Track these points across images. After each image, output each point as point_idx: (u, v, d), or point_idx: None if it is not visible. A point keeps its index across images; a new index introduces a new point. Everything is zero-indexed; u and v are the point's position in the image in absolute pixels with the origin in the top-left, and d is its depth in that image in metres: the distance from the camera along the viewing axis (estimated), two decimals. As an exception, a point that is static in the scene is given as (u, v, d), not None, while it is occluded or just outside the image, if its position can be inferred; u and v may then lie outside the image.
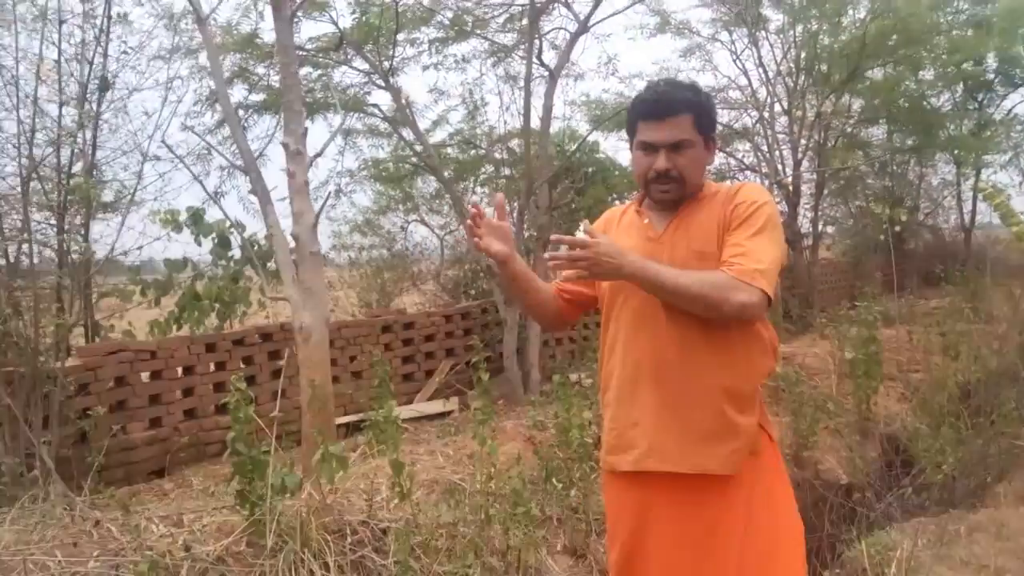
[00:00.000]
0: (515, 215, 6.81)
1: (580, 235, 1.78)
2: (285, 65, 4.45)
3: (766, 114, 9.37)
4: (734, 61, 9.58)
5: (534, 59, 6.80)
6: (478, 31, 7.40)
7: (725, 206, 1.91)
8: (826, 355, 6.18)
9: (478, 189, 8.61)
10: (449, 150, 8.38)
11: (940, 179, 12.82)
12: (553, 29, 7.42)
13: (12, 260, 4.80)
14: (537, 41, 6.85)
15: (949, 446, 4.37)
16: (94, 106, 5.64)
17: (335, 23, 6.72)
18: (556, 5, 7.07)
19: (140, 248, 5.80)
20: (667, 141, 1.88)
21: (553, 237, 1.83)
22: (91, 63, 5.60)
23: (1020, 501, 4.02)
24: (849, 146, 10.62)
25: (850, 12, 9.25)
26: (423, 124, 7.62)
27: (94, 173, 5.77)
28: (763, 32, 9.29)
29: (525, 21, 7.04)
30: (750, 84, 9.58)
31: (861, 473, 4.62)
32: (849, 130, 10.56)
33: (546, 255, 1.81)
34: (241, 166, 4.71)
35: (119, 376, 4.64)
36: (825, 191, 10.45)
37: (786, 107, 9.48)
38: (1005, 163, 11.79)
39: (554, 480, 3.62)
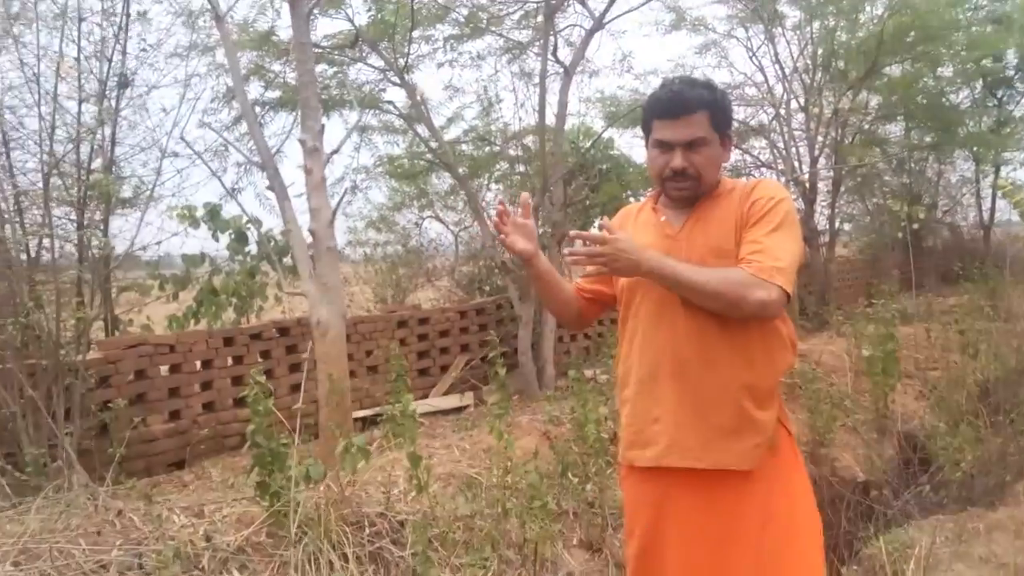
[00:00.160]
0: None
1: (596, 231, 1.80)
2: (302, 62, 4.48)
3: (782, 111, 9.31)
4: (750, 58, 9.53)
5: (549, 56, 6.79)
6: (493, 28, 7.40)
7: (742, 203, 1.91)
8: (842, 353, 6.15)
9: (492, 186, 8.62)
10: (463, 147, 8.39)
11: (959, 176, 12.69)
12: (568, 26, 7.42)
13: (33, 255, 4.87)
14: (552, 38, 6.84)
15: (968, 444, 4.34)
16: (113, 103, 5.70)
17: (351, 20, 6.75)
18: (571, 2, 7.06)
19: (159, 243, 5.86)
20: (683, 139, 1.88)
21: (572, 233, 1.84)
22: (110, 60, 5.66)
23: (1040, 499, 3.99)
24: (866, 143, 10.52)
25: (868, 8, 9.16)
26: (438, 121, 7.64)
27: (113, 169, 5.84)
28: (780, 28, 9.23)
29: (540, 18, 7.04)
30: (766, 81, 9.52)
31: (878, 471, 4.60)
32: (866, 127, 10.46)
33: (565, 251, 1.83)
34: (258, 162, 4.73)
35: (139, 369, 4.69)
36: (842, 188, 10.37)
37: (803, 104, 9.41)
38: (1024, 160, 11.66)
39: (570, 475, 3.63)
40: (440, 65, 7.58)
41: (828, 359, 6.00)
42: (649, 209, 2.06)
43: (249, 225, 6.43)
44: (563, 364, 6.79)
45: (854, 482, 4.44)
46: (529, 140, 8.18)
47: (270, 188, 4.63)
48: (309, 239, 4.50)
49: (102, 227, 5.70)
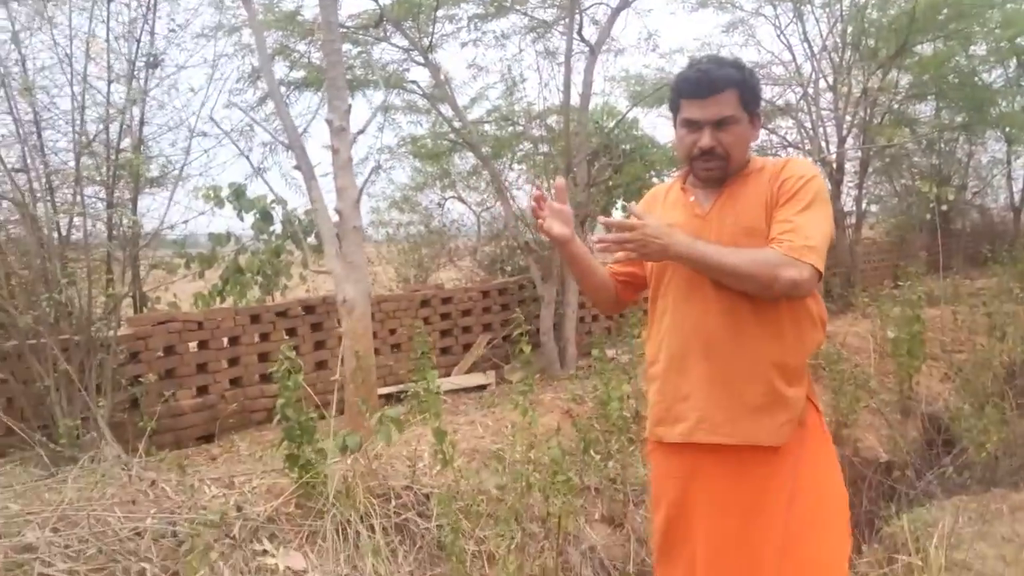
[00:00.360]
0: (537, 183, 6.81)
1: (617, 215, 1.81)
2: (329, 42, 4.49)
3: (810, 90, 9.18)
4: (778, 36, 9.38)
5: (574, 35, 6.75)
6: (518, 7, 7.35)
7: (772, 182, 1.91)
8: (867, 334, 6.11)
9: (515, 166, 8.61)
10: (487, 127, 8.37)
11: (990, 157, 12.46)
12: (594, 4, 7.35)
13: (64, 233, 4.96)
14: (577, 16, 6.79)
15: (993, 426, 4.31)
16: (142, 83, 5.76)
17: (375, 0, 6.74)
18: (597, -21, 7.00)
19: (185, 222, 5.95)
20: (711, 118, 1.88)
21: (601, 220, 1.85)
22: (139, 41, 5.72)
23: (1065, 482, 3.96)
24: (896, 123, 10.33)
25: (899, -15, 8.99)
26: (461, 101, 7.63)
27: (141, 149, 5.91)
28: (808, 6, 9.07)
29: (565, -4, 6.99)
30: (794, 60, 9.39)
31: (901, 451, 4.59)
32: (896, 107, 10.29)
33: (593, 237, 1.84)
34: (285, 142, 4.78)
35: (168, 345, 4.79)
36: (870, 169, 10.22)
37: (831, 83, 9.27)
38: (1058, 141, 11.42)
39: (592, 451, 3.66)
40: (464, 44, 7.56)
41: (853, 340, 5.96)
42: (678, 189, 2.06)
43: (274, 204, 6.51)
44: (585, 344, 6.82)
45: (876, 462, 4.43)
46: (552, 120, 8.15)
47: (297, 168, 4.67)
48: (335, 218, 4.55)
49: (131, 206, 5.80)
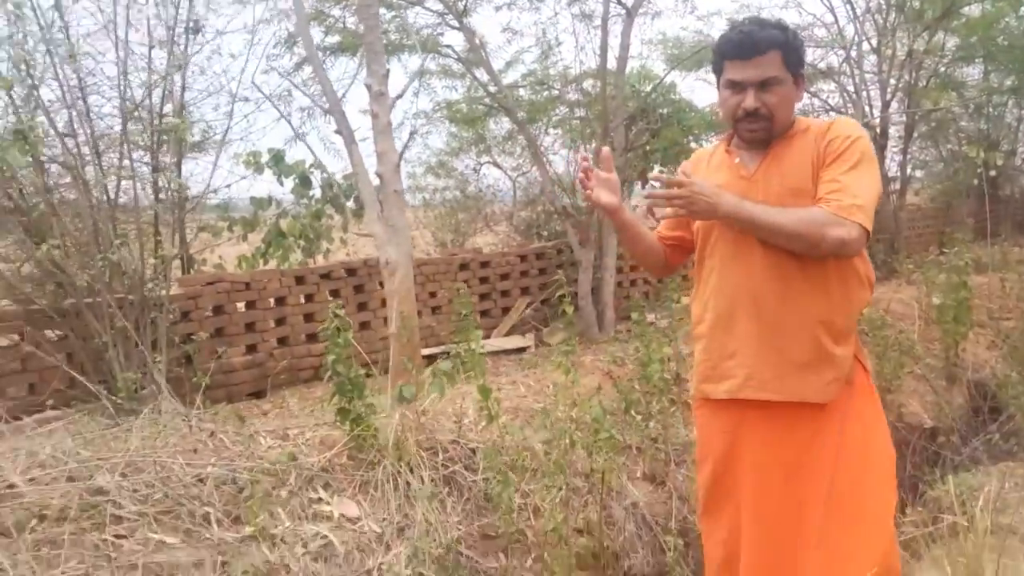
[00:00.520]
0: (583, 152, 6.78)
1: (654, 182, 1.82)
2: (366, 6, 4.49)
3: (853, 53, 8.95)
4: (820, -3, 9.16)
5: (612, -4, 6.65)
6: (555, -32, 7.27)
7: (818, 142, 1.90)
8: (911, 301, 6.04)
9: (551, 131, 8.57)
10: (521, 91, 8.33)
11: (1040, 121, 12.07)
12: (632, -35, 7.22)
13: (112, 196, 5.08)
14: (615, -22, 6.69)
15: (1041, 393, 4.26)
16: (182, 49, 5.83)
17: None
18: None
19: (228, 186, 6.06)
20: (755, 79, 1.88)
21: (651, 175, 1.87)
22: (177, 7, 5.77)
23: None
24: (942, 86, 10.04)
25: (947, -57, 8.67)
26: (496, 65, 7.59)
27: (183, 114, 6.00)
28: (853, -35, 8.82)
29: (604, -44, 6.87)
30: (836, 22, 9.14)
31: (947, 418, 4.56)
32: (942, 69, 9.99)
33: (643, 192, 1.86)
34: (325, 107, 4.81)
35: (217, 305, 4.92)
36: (915, 134, 9.98)
37: (875, 45, 9.03)
38: (1112, 105, 11.01)
39: (633, 412, 3.70)
40: (498, 8, 7.50)
41: (897, 307, 5.90)
42: (722, 152, 2.07)
43: (312, 169, 6.59)
44: (623, 309, 6.83)
45: (921, 428, 4.41)
46: (588, 84, 8.08)
47: (337, 132, 4.72)
48: (376, 182, 4.59)
49: (175, 170, 5.91)
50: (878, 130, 8.86)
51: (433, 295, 6.12)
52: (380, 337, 5.41)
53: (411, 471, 2.82)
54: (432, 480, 2.85)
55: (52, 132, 4.67)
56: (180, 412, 3.41)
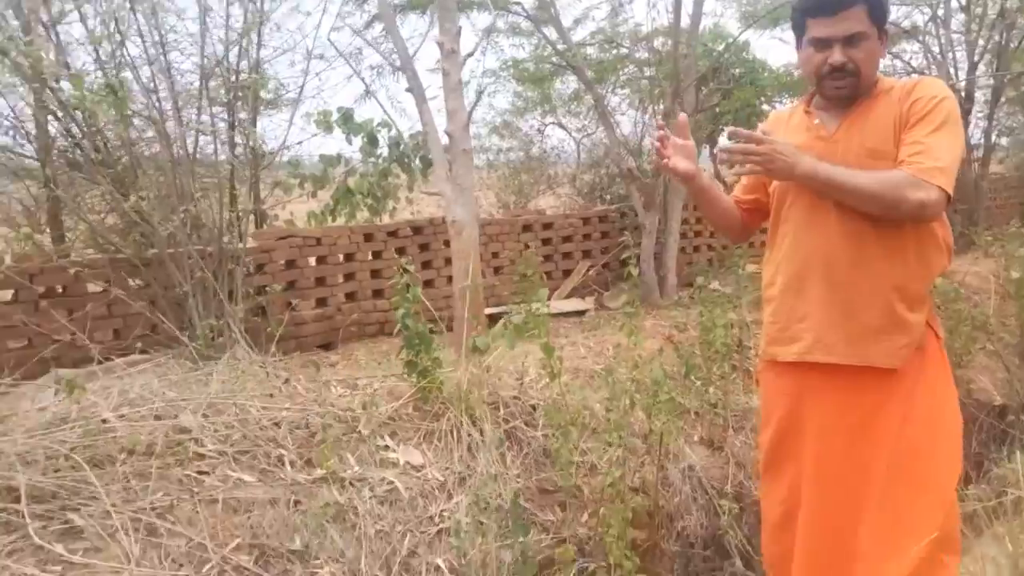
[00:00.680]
0: (660, 118, 6.66)
1: (724, 140, 1.81)
2: (440, -37, 4.51)
3: (940, 11, 8.51)
4: (905, -49, 8.69)
5: (688, -49, 6.48)
6: (628, -78, 7.08)
7: (902, 102, 1.86)
8: (988, 275, 5.82)
9: (619, 90, 8.45)
10: (589, 50, 8.21)
11: None
12: (709, -82, 7.00)
13: (192, 151, 5.27)
14: (691, -68, 6.50)
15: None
16: (259, 5, 5.94)
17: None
18: None
19: (300, 143, 6.21)
20: (842, 35, 1.84)
21: (730, 129, 1.86)
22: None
23: None
24: (1035, 48, 9.49)
25: None
26: (565, 22, 7.49)
27: (260, 70, 6.14)
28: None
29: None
30: (924, -24, 8.68)
31: (1018, 396, 4.43)
32: (1037, 29, 9.41)
33: (721, 147, 1.85)
34: (396, 64, 4.87)
35: (290, 259, 5.10)
36: (1002, 98, 9.47)
37: (964, 3, 8.55)
38: None
39: (692, 377, 3.72)
40: (571, -37, 7.38)
41: (972, 280, 5.71)
42: (801, 112, 2.04)
43: (380, 128, 6.68)
44: (685, 275, 6.79)
45: (990, 405, 4.30)
46: (658, 43, 7.91)
47: (408, 90, 4.78)
48: (445, 141, 4.65)
49: (251, 127, 6.07)
50: (963, 94, 8.45)
51: (496, 255, 6.20)
52: (444, 296, 5.52)
53: (473, 424, 2.92)
54: (493, 434, 2.95)
55: (136, 87, 4.86)
56: (256, 360, 3.58)
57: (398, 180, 6.76)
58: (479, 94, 7.39)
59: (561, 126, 9.04)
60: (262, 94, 6.19)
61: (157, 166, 4.82)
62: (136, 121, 5.03)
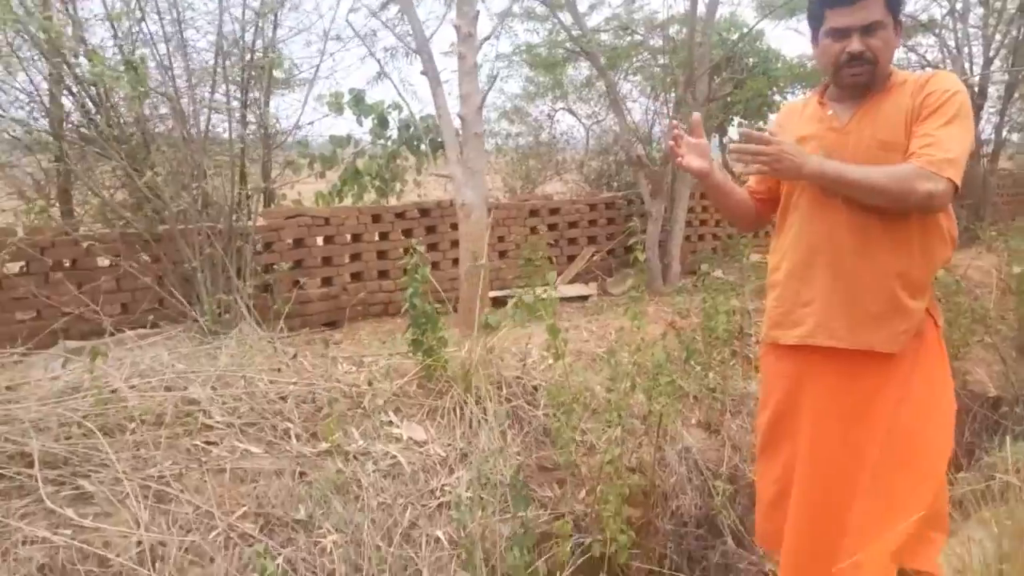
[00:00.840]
0: (671, 106, 6.68)
1: (733, 132, 1.85)
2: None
3: (958, 5, 8.45)
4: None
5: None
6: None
7: (915, 95, 1.90)
8: (991, 269, 5.85)
9: (631, 77, 8.44)
10: (603, 36, 8.19)
11: None
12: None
13: (204, 128, 5.31)
14: (707, -81, 6.47)
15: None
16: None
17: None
18: None
19: (311, 123, 6.24)
20: (860, 24, 1.88)
21: (741, 131, 1.90)
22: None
23: None
24: (1052, 44, 9.41)
25: None
26: (580, 7, 7.48)
27: (274, 50, 6.16)
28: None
29: None
30: (942, -30, 8.62)
31: (1013, 388, 4.47)
32: (1055, 26, 9.33)
33: (730, 147, 1.89)
34: (412, 47, 4.89)
35: (297, 238, 5.16)
36: (1016, 94, 9.42)
37: (983, -3, 8.50)
38: None
39: (692, 362, 3.77)
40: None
41: (974, 274, 5.74)
42: (815, 103, 2.07)
43: (390, 110, 6.71)
44: (688, 263, 6.83)
45: (984, 396, 4.35)
46: (673, 31, 7.89)
47: (423, 73, 4.80)
48: (457, 124, 4.68)
49: (263, 106, 6.11)
50: (976, 88, 8.41)
51: (501, 239, 6.24)
52: (449, 278, 5.58)
53: (476, 402, 2.98)
54: (495, 412, 3.01)
55: (152, 64, 4.90)
56: (264, 336, 3.65)
57: (406, 162, 6.80)
58: (492, 79, 7.41)
59: (571, 112, 9.04)
60: (276, 74, 6.24)
61: (170, 143, 4.87)
62: (150, 98, 5.09)
